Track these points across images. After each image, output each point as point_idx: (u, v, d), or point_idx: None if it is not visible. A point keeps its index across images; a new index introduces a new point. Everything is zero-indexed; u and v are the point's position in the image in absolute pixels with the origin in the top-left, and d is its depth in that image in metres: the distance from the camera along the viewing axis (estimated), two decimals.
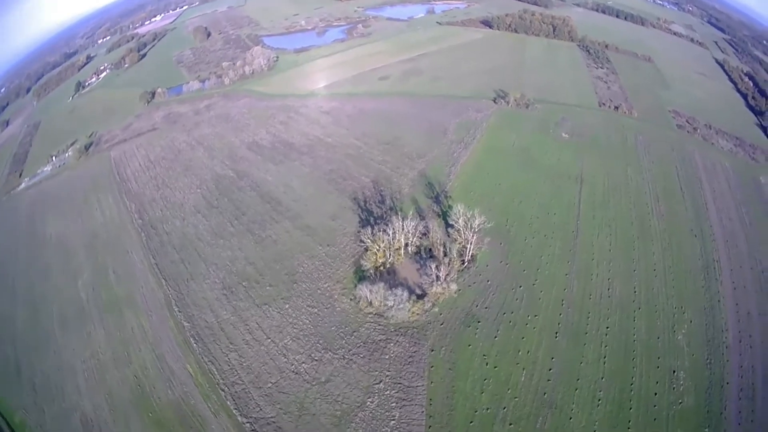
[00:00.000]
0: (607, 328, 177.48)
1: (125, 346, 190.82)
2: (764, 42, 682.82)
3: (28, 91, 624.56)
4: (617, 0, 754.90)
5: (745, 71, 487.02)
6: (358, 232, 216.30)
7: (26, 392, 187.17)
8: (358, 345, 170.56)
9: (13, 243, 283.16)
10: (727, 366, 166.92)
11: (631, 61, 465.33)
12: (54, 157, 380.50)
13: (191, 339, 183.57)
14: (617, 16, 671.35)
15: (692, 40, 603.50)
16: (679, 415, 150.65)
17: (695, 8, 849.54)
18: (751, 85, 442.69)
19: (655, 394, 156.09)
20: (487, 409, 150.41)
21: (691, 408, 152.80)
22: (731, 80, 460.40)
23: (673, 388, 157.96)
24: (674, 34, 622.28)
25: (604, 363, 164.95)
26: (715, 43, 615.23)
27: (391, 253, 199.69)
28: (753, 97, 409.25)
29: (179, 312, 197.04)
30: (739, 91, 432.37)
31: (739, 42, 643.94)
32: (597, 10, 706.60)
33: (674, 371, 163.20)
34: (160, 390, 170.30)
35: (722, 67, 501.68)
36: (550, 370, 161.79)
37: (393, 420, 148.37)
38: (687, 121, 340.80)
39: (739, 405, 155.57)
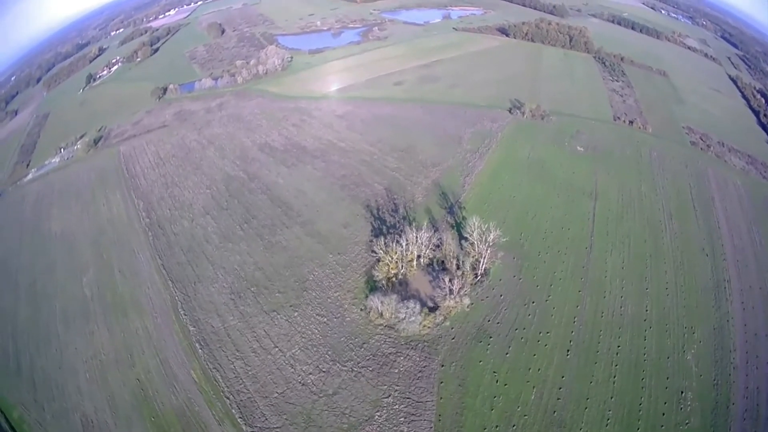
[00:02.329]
0: (618, 347, 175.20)
1: (128, 347, 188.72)
2: None
3: (38, 81, 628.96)
4: (633, 12, 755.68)
5: (757, 88, 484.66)
6: (370, 241, 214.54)
7: (26, 389, 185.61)
8: (367, 357, 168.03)
9: (18, 236, 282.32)
10: (734, 387, 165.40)
11: (646, 74, 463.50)
12: (62, 149, 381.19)
13: (197, 344, 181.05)
14: (632, 28, 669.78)
15: (706, 55, 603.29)
16: None
17: (709, 22, 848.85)
18: (764, 102, 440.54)
19: (663, 414, 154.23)
20: (497, 426, 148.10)
21: (697, 429, 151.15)
22: (744, 97, 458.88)
23: (681, 409, 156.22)
24: (688, 48, 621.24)
25: (614, 382, 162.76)
26: (728, 58, 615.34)
27: (404, 264, 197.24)
28: (765, 115, 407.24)
29: (185, 315, 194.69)
30: (751, 108, 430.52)
31: (751, 58, 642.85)
32: (613, 22, 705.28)
33: (682, 392, 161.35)
34: (163, 395, 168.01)
35: (735, 83, 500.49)
36: (560, 388, 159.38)
37: None
38: (700, 138, 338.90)
39: (743, 426, 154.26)
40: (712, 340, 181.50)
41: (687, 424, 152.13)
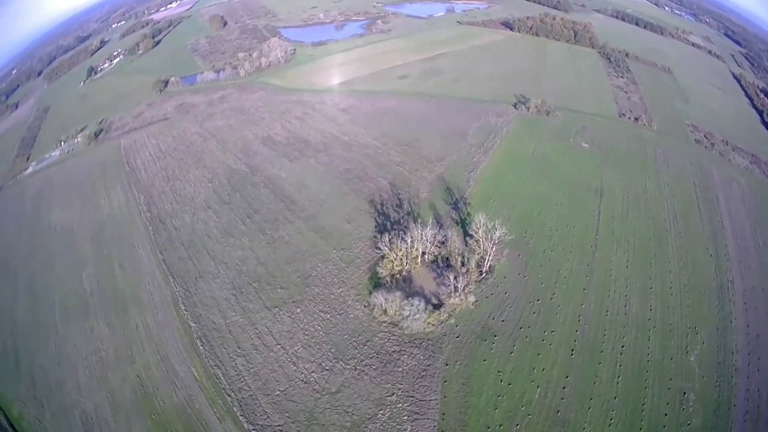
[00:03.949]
0: (623, 346, 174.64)
1: (128, 344, 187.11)
2: None
3: (39, 74, 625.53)
4: (636, 8, 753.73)
5: (760, 87, 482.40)
6: (374, 236, 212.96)
7: (25, 385, 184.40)
8: (370, 355, 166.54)
9: (17, 230, 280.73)
10: (735, 389, 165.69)
11: (650, 71, 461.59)
12: (62, 143, 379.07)
13: (198, 341, 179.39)
14: (637, 24, 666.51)
15: (710, 52, 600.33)
16: None
17: (712, 20, 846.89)
18: (767, 101, 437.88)
19: (666, 415, 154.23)
20: (500, 425, 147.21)
21: (699, 430, 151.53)
22: (747, 96, 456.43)
23: (683, 410, 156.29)
24: (692, 45, 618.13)
25: (618, 383, 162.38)
26: (732, 56, 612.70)
27: (408, 261, 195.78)
28: None
29: (186, 311, 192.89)
30: (755, 107, 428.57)
31: (755, 56, 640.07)
32: (617, 17, 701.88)
33: (685, 393, 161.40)
34: (163, 392, 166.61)
35: (739, 81, 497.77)
36: (564, 388, 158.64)
37: None
38: (705, 136, 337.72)
39: (744, 428, 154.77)
40: (715, 342, 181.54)
41: (689, 425, 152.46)
